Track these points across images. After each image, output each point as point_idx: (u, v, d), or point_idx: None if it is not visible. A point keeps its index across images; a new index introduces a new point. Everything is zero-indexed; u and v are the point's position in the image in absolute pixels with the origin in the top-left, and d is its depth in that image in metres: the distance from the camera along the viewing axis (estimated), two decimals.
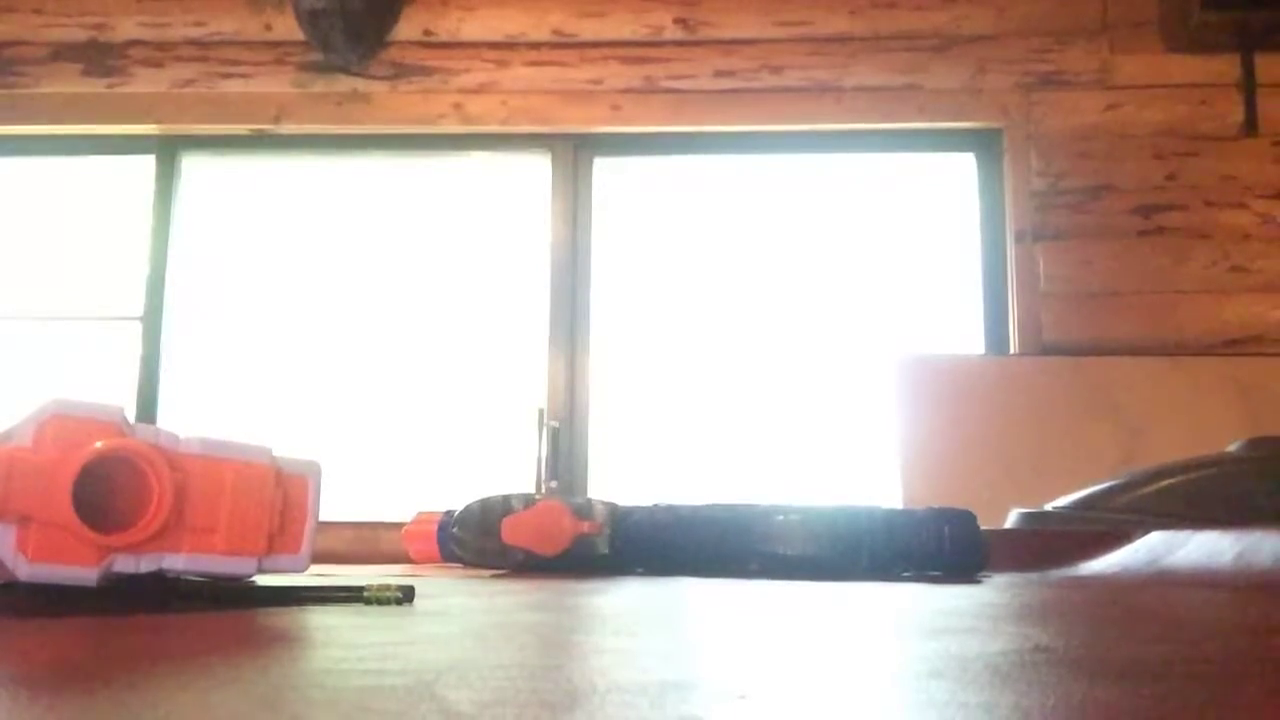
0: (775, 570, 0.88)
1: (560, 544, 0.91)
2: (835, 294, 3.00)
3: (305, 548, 0.63)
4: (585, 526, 0.92)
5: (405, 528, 1.07)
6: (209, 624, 0.54)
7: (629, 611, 0.62)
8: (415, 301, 3.09)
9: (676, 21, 3.05)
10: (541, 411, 2.94)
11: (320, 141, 3.15)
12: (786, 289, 3.02)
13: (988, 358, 2.92)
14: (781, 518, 0.89)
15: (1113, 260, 2.91)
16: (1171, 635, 0.50)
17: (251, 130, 3.11)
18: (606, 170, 3.12)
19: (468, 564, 1.00)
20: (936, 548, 0.85)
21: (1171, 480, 1.46)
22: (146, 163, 3.16)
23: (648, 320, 3.06)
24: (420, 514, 1.08)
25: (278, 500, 0.62)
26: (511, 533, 0.93)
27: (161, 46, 3.14)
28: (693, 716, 0.29)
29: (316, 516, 0.64)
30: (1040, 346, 2.87)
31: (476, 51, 3.10)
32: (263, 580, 0.64)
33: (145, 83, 3.12)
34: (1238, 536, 0.78)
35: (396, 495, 2.90)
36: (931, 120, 3.01)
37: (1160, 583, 0.79)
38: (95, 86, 3.12)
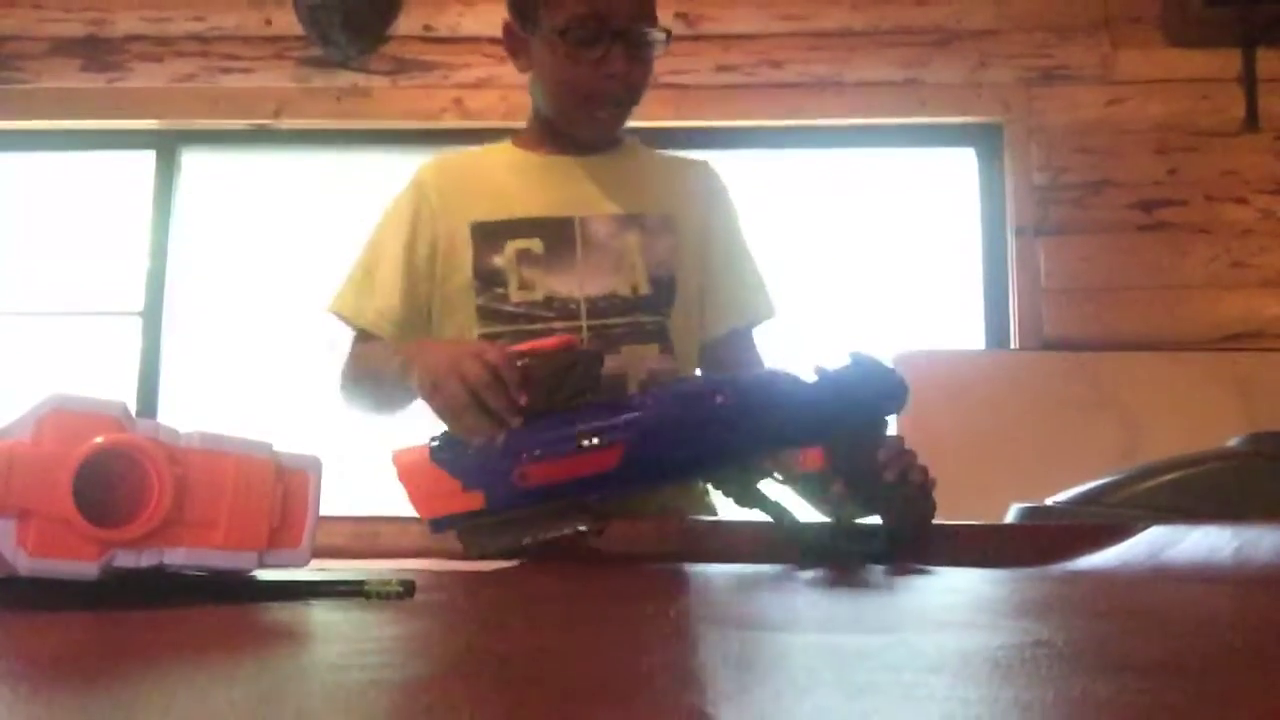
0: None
1: (557, 342, 0.92)
2: (836, 288, 2.99)
3: (306, 542, 0.63)
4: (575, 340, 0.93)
5: (398, 466, 0.98)
6: (209, 618, 0.54)
7: (632, 600, 0.62)
8: None
9: (677, 16, 3.04)
10: None
11: (320, 136, 3.15)
12: (786, 284, 3.02)
13: (988, 352, 2.92)
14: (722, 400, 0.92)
15: (1114, 255, 2.91)
16: (1171, 630, 0.50)
17: (251, 125, 3.11)
18: None
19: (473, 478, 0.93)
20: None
21: (1172, 475, 1.47)
22: (146, 158, 3.16)
23: None
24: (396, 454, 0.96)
25: (278, 495, 0.62)
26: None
27: (161, 41, 3.13)
28: (696, 710, 0.29)
29: (317, 511, 0.64)
30: (1041, 341, 2.87)
31: (477, 46, 3.10)
32: (263, 575, 0.64)
33: (145, 78, 3.12)
34: (1237, 531, 0.78)
35: (397, 491, 2.90)
36: (932, 115, 3.01)
37: (1160, 577, 0.79)
38: (95, 81, 3.12)
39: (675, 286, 1.29)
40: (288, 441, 0.64)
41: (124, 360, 3.07)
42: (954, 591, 0.69)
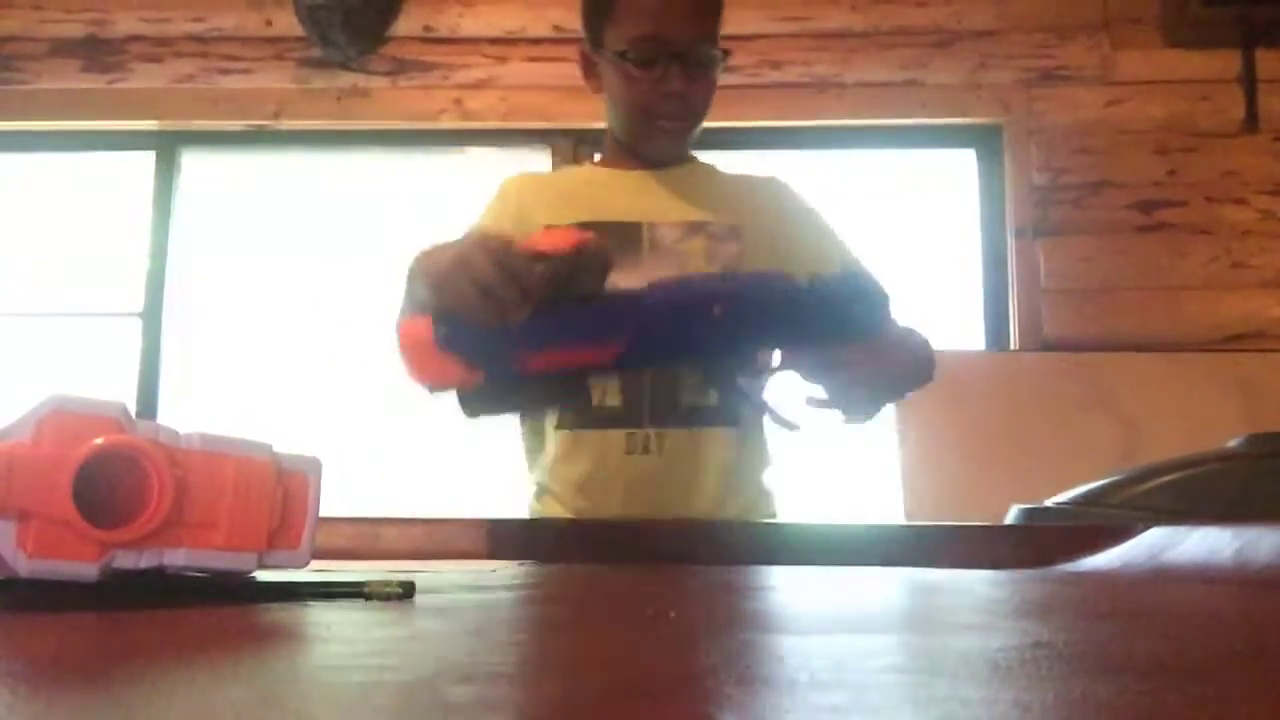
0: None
1: (572, 238, 0.93)
2: None
3: (305, 543, 0.63)
4: (592, 235, 0.94)
5: (401, 334, 0.95)
6: (209, 619, 0.54)
7: (633, 602, 0.62)
8: None
9: None
10: None
11: (320, 137, 3.15)
12: None
13: (988, 353, 2.92)
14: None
15: (1113, 256, 2.91)
16: (1171, 631, 0.50)
17: (251, 126, 3.11)
18: None
19: (475, 351, 0.92)
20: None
21: (1172, 476, 1.47)
22: (146, 159, 3.17)
23: None
24: (404, 325, 0.96)
25: (278, 496, 0.62)
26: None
27: (161, 42, 3.14)
28: (698, 713, 0.29)
29: (317, 512, 0.64)
30: (1041, 342, 2.87)
31: (476, 47, 3.10)
32: (263, 576, 0.64)
33: (145, 78, 3.12)
34: (1237, 532, 0.78)
35: (396, 491, 2.90)
36: (932, 116, 3.01)
37: (1160, 578, 0.79)
38: (95, 82, 3.12)
39: None
40: (288, 442, 0.64)
41: (124, 361, 3.07)
42: (954, 592, 0.69)
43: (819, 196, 1.59)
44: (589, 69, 1.38)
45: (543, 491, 1.36)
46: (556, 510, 1.34)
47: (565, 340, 0.94)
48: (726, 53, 1.32)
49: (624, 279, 1.31)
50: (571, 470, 1.32)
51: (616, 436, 1.30)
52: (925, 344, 1.36)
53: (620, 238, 1.32)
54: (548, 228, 1.09)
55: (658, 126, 1.35)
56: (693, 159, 1.44)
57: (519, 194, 1.41)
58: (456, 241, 1.02)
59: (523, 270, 0.91)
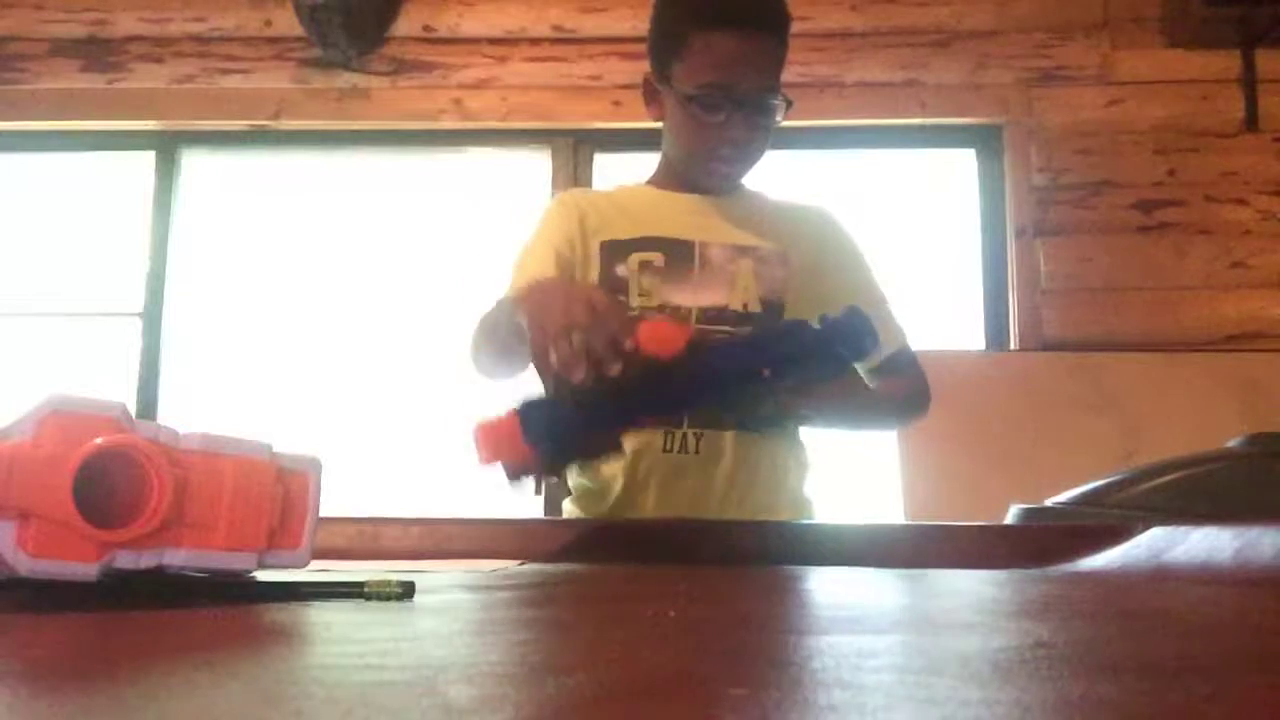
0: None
1: (679, 342, 0.95)
2: None
3: (306, 543, 0.63)
4: (691, 330, 0.98)
5: (478, 427, 0.98)
6: (209, 620, 0.54)
7: (632, 602, 0.62)
8: (415, 298, 3.09)
9: None
10: None
11: (320, 137, 3.15)
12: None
13: (988, 353, 2.92)
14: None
15: (1113, 256, 2.91)
16: (1172, 631, 0.50)
17: (251, 126, 3.11)
18: (606, 166, 3.12)
19: (564, 442, 0.96)
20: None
21: (1172, 476, 1.47)
22: (146, 158, 3.17)
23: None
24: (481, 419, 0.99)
25: (278, 496, 0.62)
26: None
27: (161, 42, 3.14)
28: (698, 714, 0.29)
29: (317, 512, 0.64)
30: (1041, 342, 2.87)
31: (476, 47, 3.10)
32: (263, 576, 0.64)
33: (145, 78, 3.12)
34: (1238, 532, 0.78)
35: (397, 491, 2.90)
36: (932, 116, 3.01)
37: (1161, 578, 0.79)
38: (95, 82, 3.12)
39: (784, 311, 1.37)
40: (288, 442, 0.64)
41: (124, 360, 3.07)
42: (954, 592, 0.69)
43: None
44: (651, 96, 1.41)
45: (579, 492, 1.38)
46: (589, 508, 1.35)
47: (634, 417, 1.02)
48: (790, 101, 1.35)
49: (674, 290, 1.38)
50: (608, 467, 1.33)
51: (654, 434, 1.31)
52: (914, 395, 1.48)
53: (673, 253, 1.37)
54: (646, 319, 1.10)
55: (715, 168, 1.39)
56: (741, 186, 1.47)
57: (578, 206, 1.44)
58: (558, 288, 1.03)
59: (621, 319, 0.93)
